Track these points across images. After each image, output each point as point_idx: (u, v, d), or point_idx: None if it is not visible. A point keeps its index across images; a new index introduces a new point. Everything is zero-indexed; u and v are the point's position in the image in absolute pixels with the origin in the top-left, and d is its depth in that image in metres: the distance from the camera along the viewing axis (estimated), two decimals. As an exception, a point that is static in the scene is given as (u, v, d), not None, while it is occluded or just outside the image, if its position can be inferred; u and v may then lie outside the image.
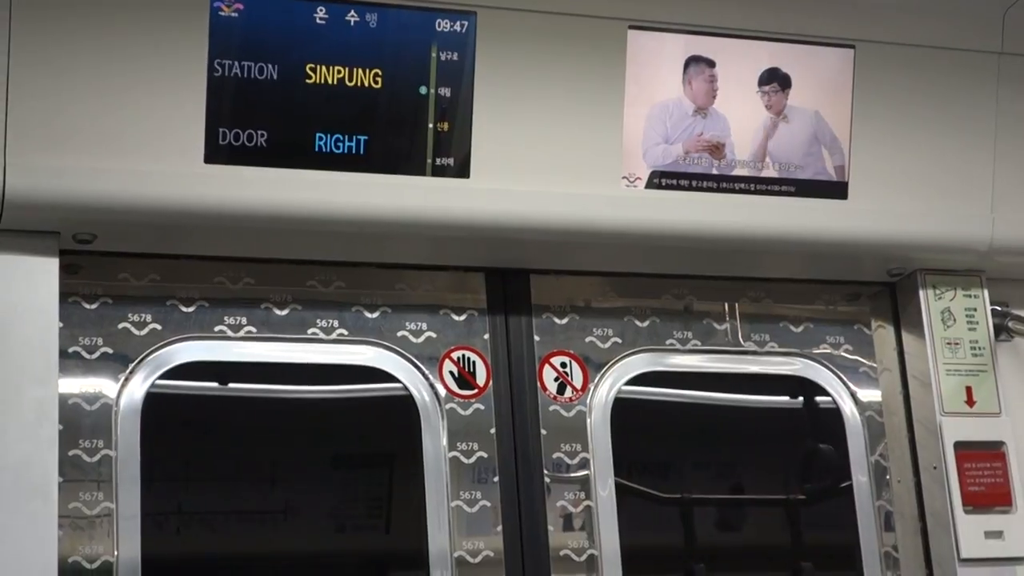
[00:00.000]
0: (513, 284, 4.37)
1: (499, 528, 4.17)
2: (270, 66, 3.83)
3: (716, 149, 4.22)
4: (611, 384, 4.38)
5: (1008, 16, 4.37)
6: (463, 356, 4.27)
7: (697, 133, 4.21)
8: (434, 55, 3.95)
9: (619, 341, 4.44)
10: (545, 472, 4.24)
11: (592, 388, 4.36)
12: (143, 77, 3.72)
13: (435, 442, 4.18)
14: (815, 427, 4.66)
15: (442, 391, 4.22)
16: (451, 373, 4.24)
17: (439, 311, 4.30)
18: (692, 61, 4.19)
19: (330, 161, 3.90)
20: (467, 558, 4.12)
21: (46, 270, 3.80)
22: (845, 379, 4.62)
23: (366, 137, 3.93)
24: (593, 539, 4.24)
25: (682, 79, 4.19)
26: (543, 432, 4.27)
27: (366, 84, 3.91)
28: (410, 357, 4.23)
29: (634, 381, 4.42)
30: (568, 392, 4.33)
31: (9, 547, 3.56)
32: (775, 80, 4.26)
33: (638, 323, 4.48)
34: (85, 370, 3.93)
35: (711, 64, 4.19)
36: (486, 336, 4.31)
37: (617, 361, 4.42)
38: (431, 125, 3.98)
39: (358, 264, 4.23)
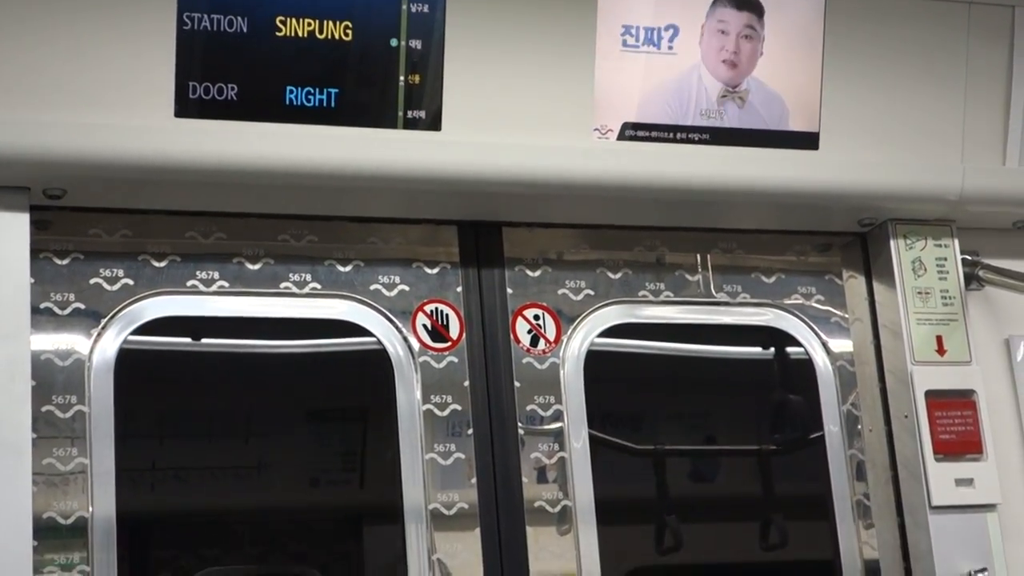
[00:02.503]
0: (485, 237, 4.37)
1: (473, 480, 4.18)
2: (239, 19, 3.81)
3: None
4: (584, 336, 4.39)
5: (978, -35, 4.39)
6: (436, 309, 4.27)
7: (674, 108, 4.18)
8: (404, 7, 3.94)
9: (592, 293, 4.45)
10: (519, 424, 4.25)
11: (565, 340, 4.36)
12: (112, 31, 3.70)
13: (409, 395, 4.18)
14: (787, 377, 4.68)
15: (415, 344, 4.22)
16: (424, 326, 4.24)
17: (412, 264, 4.30)
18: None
19: (301, 114, 3.89)
20: (442, 510, 4.13)
21: (16, 226, 3.78)
22: (817, 329, 4.64)
23: (337, 90, 3.92)
24: (567, 491, 4.25)
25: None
26: (517, 385, 4.28)
27: (336, 37, 3.90)
28: (383, 311, 4.23)
29: (607, 333, 4.43)
30: (541, 344, 4.33)
31: (-17, 504, 3.57)
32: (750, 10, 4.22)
33: (610, 275, 4.48)
34: (57, 326, 3.92)
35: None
36: (459, 289, 4.31)
37: (590, 313, 4.42)
38: (402, 78, 3.96)
39: (330, 218, 4.22)
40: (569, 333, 4.38)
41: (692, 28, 4.12)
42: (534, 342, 4.33)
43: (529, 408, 4.28)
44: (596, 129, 4.16)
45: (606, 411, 4.42)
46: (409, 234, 4.31)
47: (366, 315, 4.21)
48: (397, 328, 4.22)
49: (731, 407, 4.65)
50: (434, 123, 4.00)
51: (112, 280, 4.00)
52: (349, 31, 3.91)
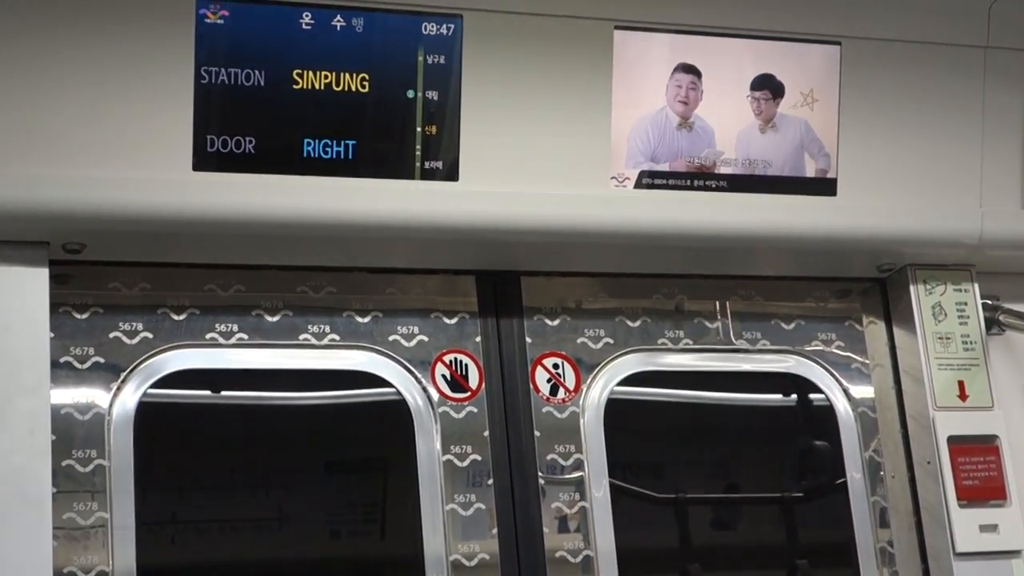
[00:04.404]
0: (504, 286, 4.38)
1: (494, 531, 4.17)
2: (257, 72, 3.83)
3: (702, 168, 4.24)
4: (604, 385, 4.38)
5: (993, 10, 4.38)
6: (455, 359, 4.27)
7: (684, 156, 4.21)
8: (421, 59, 3.95)
9: (611, 341, 4.44)
10: (539, 474, 4.24)
11: (585, 389, 4.36)
12: (130, 85, 3.72)
13: (429, 446, 4.18)
14: (808, 424, 4.66)
15: (435, 395, 4.22)
16: (443, 376, 4.24)
17: (430, 314, 4.30)
18: (678, 70, 4.19)
19: (319, 166, 3.90)
20: (463, 561, 4.11)
21: (36, 281, 3.80)
22: (837, 375, 4.62)
23: (354, 142, 3.93)
24: (588, 540, 4.24)
25: (667, 85, 4.19)
26: (536, 434, 4.27)
27: (353, 89, 3.91)
28: (402, 361, 4.23)
29: (627, 381, 4.42)
30: (561, 393, 4.32)
31: (4, 559, 3.56)
32: (767, 87, 4.26)
33: (629, 323, 4.48)
34: (77, 380, 3.92)
35: (697, 74, 4.19)
36: (478, 339, 4.31)
37: (609, 361, 4.42)
38: (419, 129, 3.98)
39: (349, 269, 4.23)
40: (589, 382, 4.37)
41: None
42: (553, 391, 4.32)
43: (549, 457, 4.27)
44: (613, 177, 4.16)
45: (627, 460, 4.40)
46: (427, 284, 4.32)
47: (385, 366, 4.21)
48: (416, 378, 4.22)
49: (752, 455, 4.63)
50: (451, 173, 4.00)
51: (131, 334, 4.01)
52: (366, 83, 3.92)
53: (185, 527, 4.07)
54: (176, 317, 4.07)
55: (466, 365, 4.27)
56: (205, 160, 3.81)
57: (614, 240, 4.19)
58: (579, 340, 4.41)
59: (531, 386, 4.31)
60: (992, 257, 4.57)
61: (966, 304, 4.59)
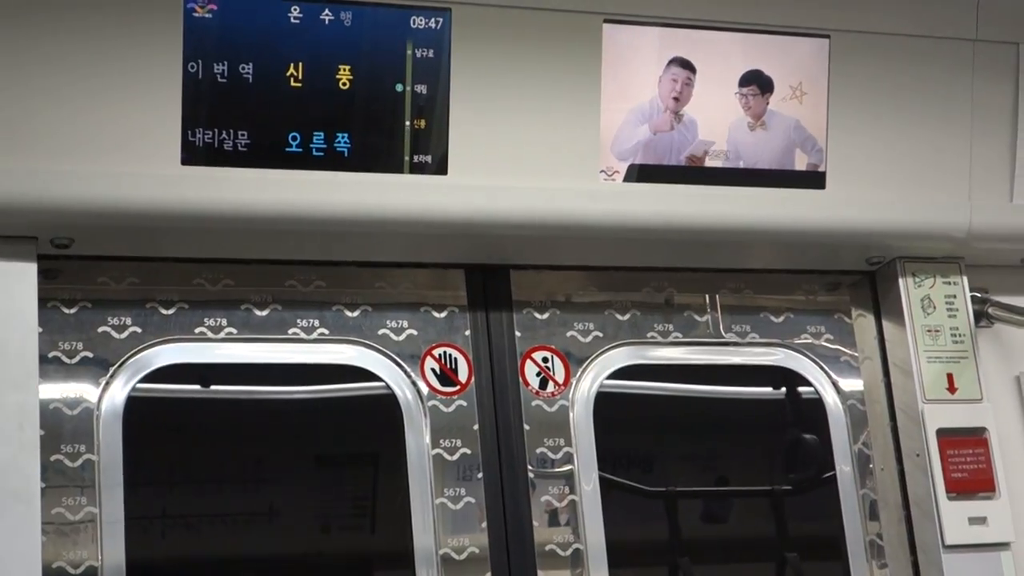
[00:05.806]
0: (493, 280, 4.37)
1: (484, 525, 4.17)
2: (245, 66, 3.82)
3: (691, 162, 4.24)
4: (593, 378, 4.38)
5: (982, 3, 4.39)
6: (445, 353, 4.27)
7: (674, 150, 4.21)
8: (409, 52, 3.95)
9: (600, 335, 4.44)
10: (529, 467, 4.24)
11: (574, 382, 4.36)
12: (118, 79, 3.71)
13: (418, 440, 4.18)
14: (798, 417, 4.67)
15: (424, 389, 4.22)
16: (433, 370, 4.24)
17: (420, 308, 4.30)
18: (674, 64, 4.18)
19: (307, 160, 3.89)
20: (452, 555, 4.12)
21: (24, 276, 3.79)
22: (827, 368, 4.63)
23: (343, 136, 3.92)
24: (578, 534, 4.24)
25: (658, 78, 4.18)
26: (526, 427, 4.27)
27: (342, 83, 3.90)
28: (391, 355, 4.23)
29: (616, 375, 4.42)
30: (550, 387, 4.32)
31: (-7, 554, 3.56)
32: (755, 83, 4.26)
33: (619, 317, 4.48)
34: (66, 375, 3.92)
35: (693, 70, 4.19)
36: (467, 333, 4.31)
37: (599, 355, 4.42)
38: (408, 122, 3.97)
39: (338, 263, 4.23)
40: (578, 375, 4.37)
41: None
42: (543, 385, 4.32)
43: (539, 451, 4.27)
44: (602, 171, 4.16)
45: (616, 453, 4.41)
46: (417, 278, 4.31)
47: (374, 360, 4.21)
48: (406, 372, 4.22)
49: (742, 448, 4.64)
50: (440, 167, 4.00)
51: (120, 328, 4.01)
52: (354, 76, 3.92)
53: (174, 521, 4.06)
54: (165, 312, 4.07)
55: (455, 359, 4.27)
56: (193, 154, 3.80)
57: (603, 234, 4.19)
58: (568, 334, 4.41)
59: (521, 380, 4.31)
60: (981, 250, 4.58)
61: (955, 297, 4.59)
